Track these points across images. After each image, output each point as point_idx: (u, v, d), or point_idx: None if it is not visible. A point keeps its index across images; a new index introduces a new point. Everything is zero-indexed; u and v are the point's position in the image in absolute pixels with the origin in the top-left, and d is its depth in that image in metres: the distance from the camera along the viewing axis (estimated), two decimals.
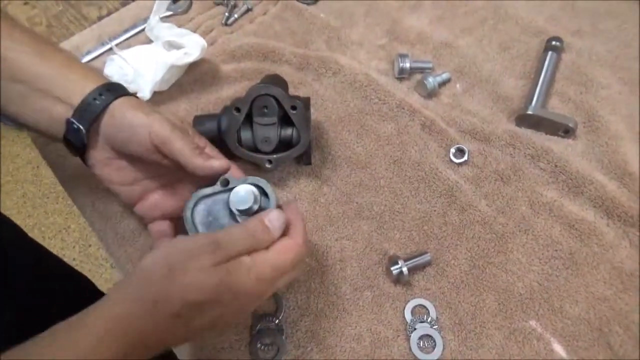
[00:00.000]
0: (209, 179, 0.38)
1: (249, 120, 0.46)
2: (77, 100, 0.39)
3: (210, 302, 0.30)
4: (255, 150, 0.46)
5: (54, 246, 1.36)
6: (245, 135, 0.46)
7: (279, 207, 0.37)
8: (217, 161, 0.38)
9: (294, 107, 0.45)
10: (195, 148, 0.38)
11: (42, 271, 0.58)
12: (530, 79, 0.55)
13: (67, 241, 1.38)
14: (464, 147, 0.51)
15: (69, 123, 0.39)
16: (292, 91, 0.53)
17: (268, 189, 0.37)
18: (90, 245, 1.36)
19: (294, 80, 0.57)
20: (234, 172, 0.40)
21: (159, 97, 0.56)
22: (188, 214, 0.37)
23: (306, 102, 0.48)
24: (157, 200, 0.43)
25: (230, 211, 0.37)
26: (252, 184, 0.37)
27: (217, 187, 0.38)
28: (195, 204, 0.38)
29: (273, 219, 0.34)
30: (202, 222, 0.37)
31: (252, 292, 0.32)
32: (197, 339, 0.35)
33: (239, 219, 0.37)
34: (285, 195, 0.50)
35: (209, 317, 0.31)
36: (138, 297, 0.30)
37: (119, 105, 0.39)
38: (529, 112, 0.51)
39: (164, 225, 0.43)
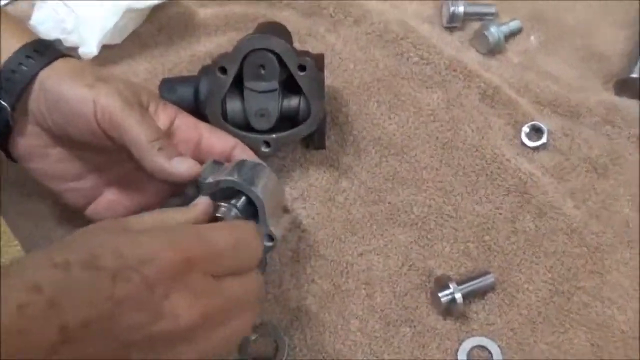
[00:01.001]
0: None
1: (238, 85, 0.44)
2: None
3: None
4: (247, 127, 0.44)
5: None
6: (234, 106, 0.44)
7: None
8: (181, 164, 0.37)
9: (302, 67, 0.42)
10: (155, 139, 0.37)
11: None
12: (636, 30, 0.53)
13: None
14: (542, 125, 0.49)
15: None
16: (297, 46, 0.48)
17: (255, 197, 0.37)
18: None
19: (299, 31, 0.54)
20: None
21: (109, 53, 0.52)
22: None
23: (318, 60, 0.46)
24: (113, 199, 0.43)
25: None
26: (229, 187, 0.37)
27: (190, 192, 0.38)
28: None
29: (198, 201, 0.35)
30: None
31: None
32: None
33: None
34: (288, 192, 0.48)
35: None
36: None
37: (52, 73, 0.38)
38: (634, 75, 0.49)
39: None
